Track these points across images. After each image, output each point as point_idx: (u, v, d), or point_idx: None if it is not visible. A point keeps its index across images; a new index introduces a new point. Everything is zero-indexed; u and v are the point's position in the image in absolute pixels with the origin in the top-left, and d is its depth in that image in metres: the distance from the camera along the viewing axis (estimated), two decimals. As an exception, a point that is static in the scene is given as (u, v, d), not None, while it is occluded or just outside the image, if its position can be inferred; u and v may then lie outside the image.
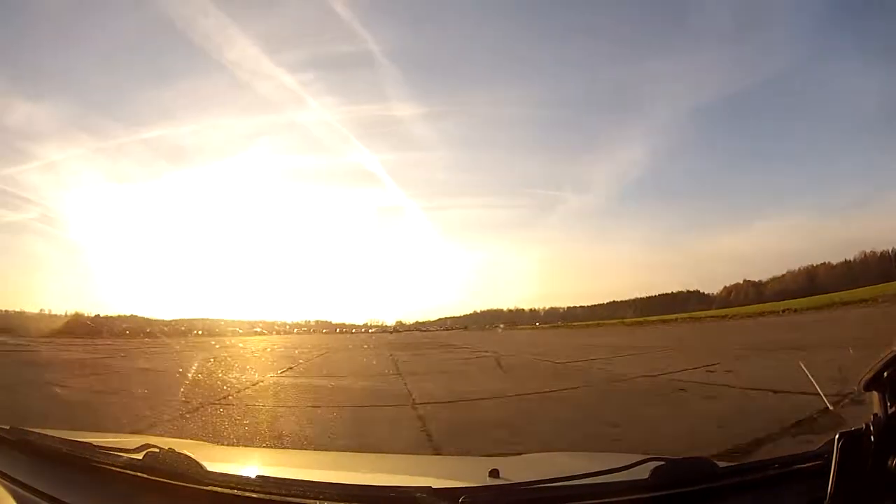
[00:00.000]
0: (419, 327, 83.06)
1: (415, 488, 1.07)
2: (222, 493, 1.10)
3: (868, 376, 1.04)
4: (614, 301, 74.74)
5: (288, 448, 3.90)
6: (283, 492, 1.09)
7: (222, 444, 3.61)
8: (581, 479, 1.06)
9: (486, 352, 16.54)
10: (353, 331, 76.76)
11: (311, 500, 1.07)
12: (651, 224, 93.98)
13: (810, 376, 1.53)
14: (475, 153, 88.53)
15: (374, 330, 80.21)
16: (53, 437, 1.41)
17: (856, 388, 1.07)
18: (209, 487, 1.11)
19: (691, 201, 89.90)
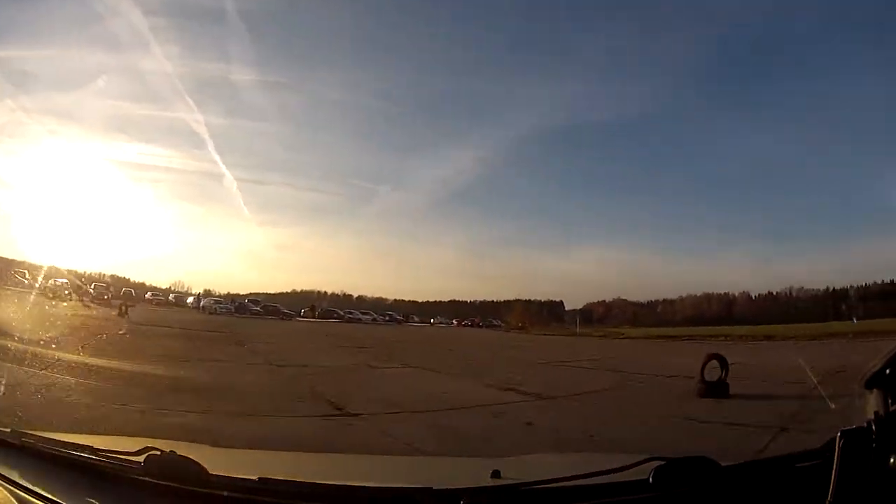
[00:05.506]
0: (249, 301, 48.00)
1: (416, 490, 1.07)
2: (223, 496, 1.10)
3: (869, 374, 1.04)
4: (455, 300, 69.52)
5: (289, 450, 3.89)
6: (285, 494, 1.09)
7: (223, 447, 3.61)
8: (582, 479, 1.06)
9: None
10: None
11: (312, 503, 1.07)
12: (475, 233, 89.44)
13: (812, 376, 1.53)
14: (305, 133, 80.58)
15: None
16: (54, 439, 1.41)
17: (857, 386, 1.07)
18: (210, 490, 1.11)
19: (516, 219, 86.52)
